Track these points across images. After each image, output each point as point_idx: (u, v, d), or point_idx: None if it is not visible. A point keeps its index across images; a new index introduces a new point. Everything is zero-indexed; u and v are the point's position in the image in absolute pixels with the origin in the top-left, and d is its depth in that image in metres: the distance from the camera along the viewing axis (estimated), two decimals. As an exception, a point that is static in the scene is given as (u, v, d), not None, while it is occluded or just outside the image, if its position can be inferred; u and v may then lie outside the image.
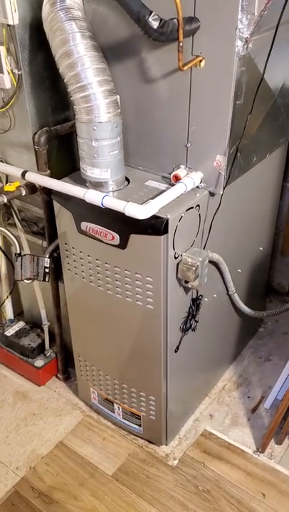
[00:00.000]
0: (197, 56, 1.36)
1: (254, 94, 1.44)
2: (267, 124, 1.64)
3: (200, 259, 1.53)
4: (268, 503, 1.78)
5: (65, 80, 1.45)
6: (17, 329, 2.30)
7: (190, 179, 1.52)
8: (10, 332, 2.28)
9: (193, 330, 1.73)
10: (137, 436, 2.00)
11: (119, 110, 1.48)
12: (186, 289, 1.64)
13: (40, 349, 2.24)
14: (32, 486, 1.85)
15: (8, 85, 1.63)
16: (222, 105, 1.39)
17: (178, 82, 1.44)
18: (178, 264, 1.54)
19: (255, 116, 1.54)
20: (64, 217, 1.66)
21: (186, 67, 1.34)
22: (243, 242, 1.96)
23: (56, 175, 1.68)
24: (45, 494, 1.82)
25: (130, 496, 1.81)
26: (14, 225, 1.99)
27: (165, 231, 1.43)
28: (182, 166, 1.57)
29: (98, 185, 1.55)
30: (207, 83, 1.39)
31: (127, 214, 1.39)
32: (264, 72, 1.42)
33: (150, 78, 1.50)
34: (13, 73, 1.61)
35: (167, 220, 1.42)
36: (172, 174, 1.56)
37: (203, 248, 1.65)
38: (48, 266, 1.79)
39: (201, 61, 1.36)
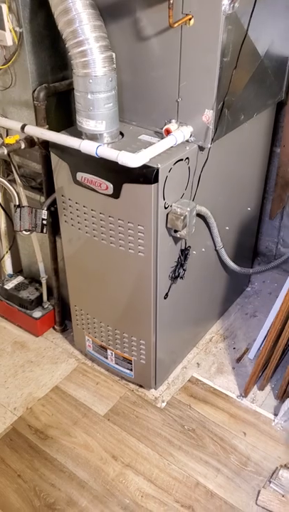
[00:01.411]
0: (187, 15, 1.45)
1: (239, 51, 1.53)
2: (254, 84, 1.73)
3: (188, 209, 1.64)
4: (249, 440, 1.92)
5: (63, 36, 1.54)
6: (16, 283, 2.41)
7: (180, 132, 1.62)
8: (9, 286, 2.40)
9: (182, 278, 1.85)
10: (128, 381, 2.13)
11: (114, 65, 1.57)
12: (176, 240, 1.75)
13: (39, 301, 2.35)
14: (29, 424, 1.98)
15: (9, 42, 1.71)
16: (210, 62, 1.49)
17: (169, 40, 1.53)
18: (168, 214, 1.65)
19: (242, 75, 1.64)
20: (61, 170, 1.76)
21: (176, 25, 1.44)
22: (231, 201, 2.07)
23: (54, 130, 1.77)
24: (40, 431, 1.96)
25: (120, 433, 1.95)
26: (14, 181, 2.09)
27: (156, 180, 1.53)
28: (173, 121, 1.67)
29: (93, 138, 1.64)
30: (196, 41, 1.48)
31: (119, 162, 1.49)
32: (247, 29, 1.51)
33: (143, 36, 1.59)
34: (15, 31, 1.70)
35: (158, 169, 1.52)
36: (164, 128, 1.65)
37: (192, 200, 1.75)
38: (45, 218, 1.89)
39: (190, 19, 1.45)
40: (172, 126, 1.65)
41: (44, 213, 1.88)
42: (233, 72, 1.55)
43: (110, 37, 1.58)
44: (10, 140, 1.77)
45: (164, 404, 2.05)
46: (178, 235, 1.69)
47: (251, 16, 1.51)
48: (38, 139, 1.80)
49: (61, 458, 1.87)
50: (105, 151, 1.53)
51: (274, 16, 1.68)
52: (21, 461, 1.86)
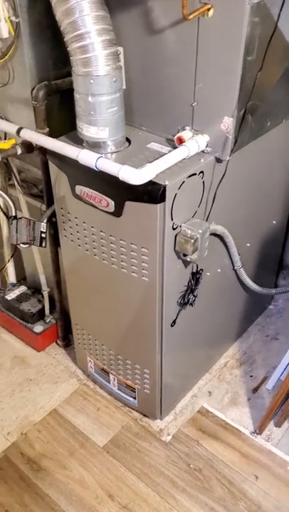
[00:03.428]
0: (205, 4, 1.22)
1: (266, 49, 1.29)
2: (283, 86, 1.49)
3: (200, 231, 1.42)
4: (261, 485, 1.72)
5: (61, 29, 1.33)
6: (18, 294, 2.25)
7: (194, 142, 1.40)
8: (11, 296, 2.24)
9: (191, 305, 1.64)
10: (132, 408, 1.95)
11: (120, 63, 1.36)
12: (186, 262, 1.54)
13: (41, 315, 2.19)
14: (22, 452, 1.83)
15: (5, 34, 1.52)
16: (231, 60, 1.26)
17: (184, 34, 1.30)
18: (176, 235, 1.44)
19: (270, 76, 1.40)
20: (60, 180, 1.57)
21: (191, 16, 1.21)
22: (253, 214, 1.84)
23: (57, 134, 1.58)
24: (34, 461, 1.80)
25: (120, 469, 1.77)
26: (14, 186, 1.91)
27: (162, 199, 1.32)
28: (187, 128, 1.45)
29: (95, 146, 1.44)
30: (215, 35, 1.25)
31: (120, 178, 1.29)
32: (277, 22, 1.27)
33: (156, 29, 1.36)
34: (11, 21, 1.50)
35: (165, 187, 1.31)
36: (176, 136, 1.43)
37: (206, 219, 1.54)
38: (44, 231, 1.70)
39: (209, 9, 1.22)
40: (186, 134, 1.43)
41: (43, 226, 1.69)
42: (259, 73, 1.32)
43: (116, 29, 1.36)
44: (4, 145, 1.58)
45: (169, 438, 1.86)
46: (188, 258, 1.48)
47: (283, 6, 1.26)
48: (36, 144, 1.61)
49: (53, 494, 1.70)
50: (106, 164, 1.33)
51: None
52: (11, 494, 1.71)
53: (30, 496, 1.70)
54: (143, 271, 1.49)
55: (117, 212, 1.43)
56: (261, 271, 2.08)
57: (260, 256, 2.03)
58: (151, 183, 1.31)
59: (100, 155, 1.35)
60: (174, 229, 1.42)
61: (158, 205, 1.33)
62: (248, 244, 1.88)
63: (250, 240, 1.89)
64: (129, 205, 1.39)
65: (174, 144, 1.46)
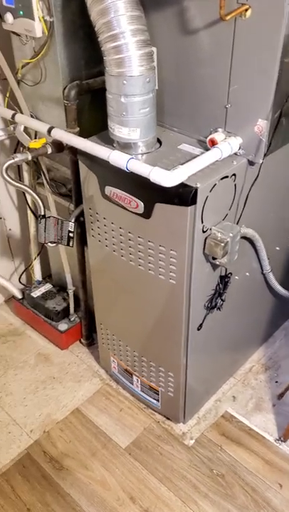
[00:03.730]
0: (243, 4, 1.19)
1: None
2: None
3: (231, 234, 1.40)
4: (285, 494, 1.69)
5: (96, 28, 1.32)
6: (44, 291, 2.26)
7: (227, 145, 1.37)
8: (36, 294, 2.25)
9: (219, 309, 1.62)
10: (154, 410, 1.93)
11: (154, 64, 1.34)
12: (214, 266, 1.52)
13: (65, 313, 2.19)
14: (44, 450, 1.83)
15: (39, 34, 1.52)
16: (268, 62, 1.23)
17: (220, 35, 1.28)
18: (206, 238, 1.42)
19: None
20: (90, 180, 1.56)
21: (229, 17, 1.19)
22: (284, 218, 1.81)
23: (87, 133, 1.57)
24: (56, 460, 1.80)
25: (142, 471, 1.76)
26: (43, 184, 1.91)
27: (193, 202, 1.31)
28: (220, 130, 1.42)
29: (126, 147, 1.43)
30: (252, 36, 1.23)
31: (152, 180, 1.27)
32: None
33: (191, 29, 1.35)
34: (45, 20, 1.50)
35: (196, 190, 1.29)
36: (208, 138, 1.41)
37: (237, 223, 1.51)
38: (72, 230, 1.70)
39: (246, 10, 1.19)
40: (218, 136, 1.41)
41: (71, 225, 1.69)
42: (296, 76, 1.29)
43: (152, 28, 1.36)
44: (35, 144, 1.58)
45: (192, 442, 1.84)
46: (217, 262, 1.46)
47: None
48: (66, 143, 1.60)
49: (75, 494, 1.70)
50: (137, 165, 1.31)
51: None
52: (32, 492, 1.71)
53: (51, 495, 1.70)
54: (170, 273, 1.47)
55: (147, 214, 1.41)
56: (289, 275, 2.04)
57: (289, 260, 1.99)
58: (182, 185, 1.29)
59: (131, 156, 1.34)
60: (203, 232, 1.40)
61: (189, 207, 1.31)
62: (278, 248, 1.85)
63: (280, 244, 1.86)
64: (159, 207, 1.38)
65: (206, 145, 1.44)
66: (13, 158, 1.58)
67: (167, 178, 1.25)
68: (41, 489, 1.72)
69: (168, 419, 1.91)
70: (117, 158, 1.35)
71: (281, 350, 2.17)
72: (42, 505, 1.68)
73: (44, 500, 1.69)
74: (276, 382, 2.04)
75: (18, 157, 1.59)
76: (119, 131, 1.40)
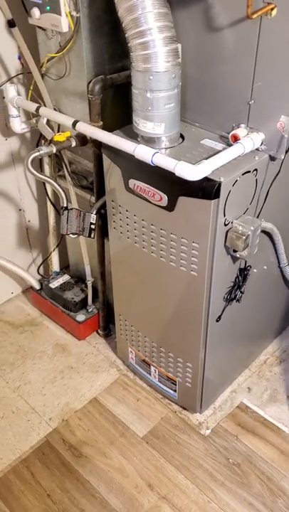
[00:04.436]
0: (269, 3, 1.22)
1: None
2: None
3: (252, 228, 1.43)
4: (300, 484, 1.72)
5: (123, 25, 1.35)
6: (62, 282, 2.30)
7: (250, 140, 1.40)
8: (54, 284, 2.29)
9: (238, 301, 1.65)
10: (171, 401, 1.97)
11: (179, 60, 1.37)
12: (234, 258, 1.55)
13: (83, 304, 2.23)
14: (63, 438, 1.88)
15: (65, 28, 1.54)
16: (292, 60, 1.26)
17: (245, 32, 1.31)
18: (227, 231, 1.45)
19: None
20: (113, 173, 1.59)
21: (255, 16, 1.21)
22: (302, 212, 1.83)
23: (109, 127, 1.60)
24: (75, 447, 1.85)
25: (159, 460, 1.80)
26: (64, 177, 1.95)
27: (216, 195, 1.34)
28: (242, 125, 1.45)
29: (150, 141, 1.46)
30: (277, 35, 1.26)
31: (176, 174, 1.30)
32: None
33: (216, 26, 1.37)
34: (71, 16, 1.52)
35: (220, 184, 1.32)
36: (231, 133, 1.44)
37: (257, 217, 1.54)
38: (94, 222, 1.73)
39: (272, 9, 1.22)
40: (241, 131, 1.43)
41: (93, 217, 1.72)
42: None
43: (177, 25, 1.38)
44: (60, 137, 1.61)
45: (208, 432, 1.88)
46: (238, 255, 1.49)
47: None
48: (90, 137, 1.63)
49: (94, 481, 1.75)
50: (162, 159, 1.34)
51: None
52: (52, 479, 1.76)
53: (71, 482, 1.75)
54: (192, 265, 1.50)
55: (170, 207, 1.44)
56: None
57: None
58: (206, 179, 1.32)
59: (156, 150, 1.37)
60: (225, 225, 1.43)
61: (212, 201, 1.34)
62: (294, 243, 1.87)
63: (297, 239, 1.88)
64: (183, 200, 1.41)
65: (228, 140, 1.47)
66: (38, 151, 1.61)
67: (192, 172, 1.28)
68: (61, 476, 1.77)
69: (184, 409, 1.95)
70: (142, 152, 1.37)
71: (295, 344, 2.20)
72: (61, 491, 1.72)
73: (64, 487, 1.73)
74: (291, 374, 2.07)
75: (43, 150, 1.62)
76: (144, 125, 1.43)
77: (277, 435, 1.86)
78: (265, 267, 1.77)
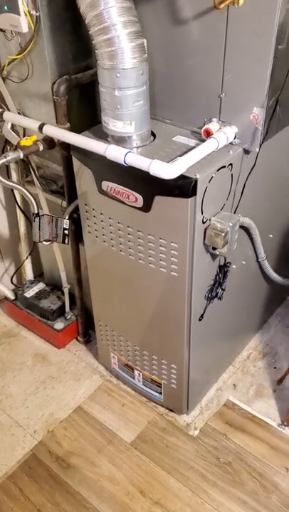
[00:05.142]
0: (236, -8, 1.19)
1: (299, 38, 1.26)
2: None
3: (230, 224, 1.40)
4: (292, 478, 1.72)
5: (86, 21, 1.30)
6: (37, 290, 2.24)
7: (223, 134, 1.37)
8: (30, 293, 2.22)
9: (220, 299, 1.63)
10: (157, 403, 1.94)
11: (146, 55, 1.33)
12: (214, 256, 1.52)
13: (61, 311, 2.17)
14: (49, 449, 1.82)
15: (25, 29, 1.48)
16: (262, 50, 1.24)
17: (213, 24, 1.28)
18: (206, 229, 1.42)
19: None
20: (84, 176, 1.55)
21: (222, 5, 1.18)
22: (278, 206, 1.82)
23: (77, 128, 1.55)
24: (62, 459, 1.79)
25: (149, 464, 1.76)
26: (33, 182, 1.89)
27: (193, 193, 1.30)
28: (214, 120, 1.42)
29: (121, 141, 1.42)
30: (246, 24, 1.23)
31: (151, 173, 1.26)
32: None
33: (182, 19, 1.34)
34: (31, 15, 1.47)
35: (196, 181, 1.29)
36: (203, 128, 1.41)
37: (234, 212, 1.52)
38: (67, 228, 1.68)
39: (240, -2, 1.19)
40: (213, 126, 1.40)
41: (66, 222, 1.67)
42: (290, 63, 1.29)
43: (142, 19, 1.33)
44: (27, 142, 1.55)
45: (196, 432, 1.85)
46: (217, 252, 1.47)
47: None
48: (58, 139, 1.58)
49: (84, 491, 1.70)
50: (135, 159, 1.30)
51: None
52: (41, 493, 1.70)
53: (61, 495, 1.70)
54: (172, 266, 1.47)
55: (146, 208, 1.41)
56: (283, 262, 2.06)
57: (283, 247, 2.01)
58: (181, 177, 1.28)
59: (128, 150, 1.33)
60: (203, 223, 1.40)
61: (189, 199, 1.31)
62: (271, 236, 1.86)
63: (273, 231, 1.87)
64: (159, 200, 1.37)
65: (200, 136, 1.44)
66: (5, 157, 1.55)
67: (167, 171, 1.24)
68: (50, 489, 1.71)
69: (171, 411, 1.92)
70: (114, 152, 1.33)
71: (276, 337, 2.20)
72: (52, 505, 1.67)
73: (54, 500, 1.68)
74: (274, 368, 2.06)
75: (10, 156, 1.56)
76: (113, 125, 1.39)
77: (266, 430, 1.85)
78: (243, 262, 1.75)
